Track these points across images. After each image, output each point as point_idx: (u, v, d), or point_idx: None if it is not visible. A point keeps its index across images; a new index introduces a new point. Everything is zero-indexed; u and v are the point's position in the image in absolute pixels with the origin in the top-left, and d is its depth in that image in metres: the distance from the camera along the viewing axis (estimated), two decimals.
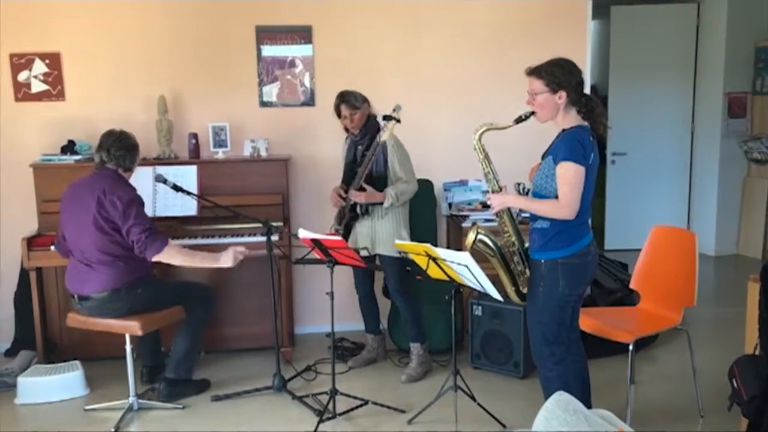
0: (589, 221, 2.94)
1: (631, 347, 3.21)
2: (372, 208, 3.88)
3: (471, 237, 2.94)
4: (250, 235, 4.14)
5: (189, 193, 3.83)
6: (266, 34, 4.61)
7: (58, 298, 4.25)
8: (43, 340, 4.15)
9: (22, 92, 4.47)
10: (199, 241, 4.10)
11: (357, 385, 3.87)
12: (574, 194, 2.72)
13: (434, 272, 3.17)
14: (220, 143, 4.50)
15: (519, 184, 4.33)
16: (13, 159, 4.44)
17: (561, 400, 1.90)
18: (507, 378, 3.98)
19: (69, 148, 4.38)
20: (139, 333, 3.53)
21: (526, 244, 2.97)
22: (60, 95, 4.50)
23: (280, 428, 3.46)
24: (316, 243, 3.40)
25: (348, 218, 3.97)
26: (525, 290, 2.98)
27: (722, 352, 3.79)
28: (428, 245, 3.06)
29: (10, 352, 4.37)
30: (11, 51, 4.43)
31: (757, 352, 2.85)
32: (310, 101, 4.70)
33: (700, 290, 3.43)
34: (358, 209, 3.89)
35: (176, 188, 3.73)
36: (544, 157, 2.87)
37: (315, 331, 4.71)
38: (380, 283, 4.31)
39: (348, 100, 3.87)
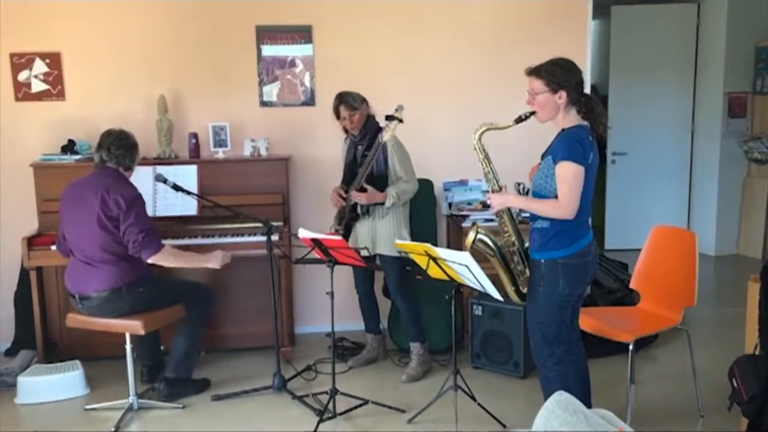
0: (590, 221, 2.94)
1: (631, 347, 3.21)
2: (372, 208, 3.88)
3: (471, 236, 2.94)
4: (250, 234, 4.14)
5: (189, 193, 3.84)
6: (266, 33, 4.61)
7: (58, 297, 4.25)
8: (44, 339, 4.16)
9: (23, 92, 4.47)
10: (200, 240, 4.10)
11: (357, 385, 3.87)
12: (573, 194, 2.72)
13: (434, 272, 3.17)
14: (220, 143, 4.50)
15: (519, 184, 4.33)
16: (13, 158, 4.45)
17: (561, 399, 1.90)
18: (507, 378, 3.98)
19: (69, 147, 4.38)
20: (142, 332, 3.53)
21: (526, 244, 2.97)
22: (60, 95, 4.50)
23: (281, 428, 3.46)
24: (316, 243, 3.40)
25: (348, 218, 3.97)
26: (525, 290, 2.98)
27: (722, 351, 3.79)
28: (428, 245, 3.06)
29: (11, 352, 4.37)
30: (11, 50, 4.43)
31: (757, 352, 2.85)
32: (310, 101, 4.70)
33: (700, 290, 3.43)
34: (358, 209, 3.89)
35: (176, 188, 3.73)
36: (543, 156, 2.87)
37: (315, 331, 4.71)
38: (380, 283, 4.31)
39: (347, 101, 3.87)
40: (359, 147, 3.94)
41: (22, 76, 4.46)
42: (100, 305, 3.52)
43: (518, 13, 4.79)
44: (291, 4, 4.60)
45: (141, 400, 3.67)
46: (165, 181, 3.73)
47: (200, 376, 3.98)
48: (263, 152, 4.47)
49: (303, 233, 3.41)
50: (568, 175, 2.71)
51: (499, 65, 4.77)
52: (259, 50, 4.62)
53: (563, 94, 2.77)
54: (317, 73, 4.68)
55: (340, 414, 3.50)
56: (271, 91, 4.68)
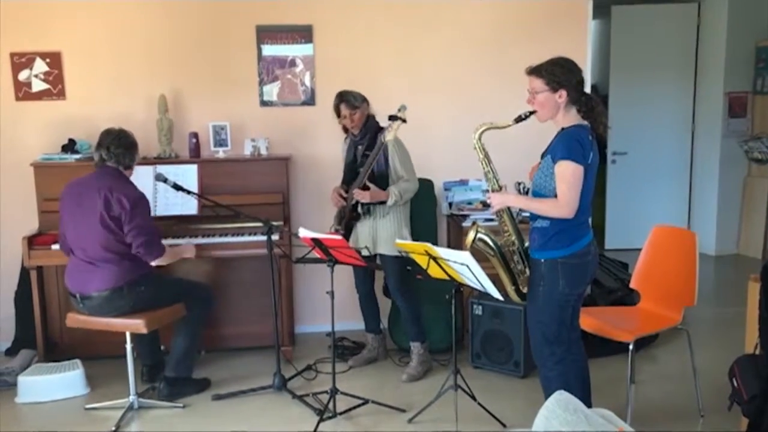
0: (590, 221, 2.94)
1: (631, 347, 3.21)
2: (373, 208, 3.88)
3: (471, 236, 2.95)
4: (250, 234, 4.15)
5: (189, 192, 3.84)
6: (267, 33, 4.61)
7: (58, 297, 4.26)
8: (44, 339, 4.16)
9: (23, 91, 4.47)
10: (200, 240, 4.10)
11: (357, 385, 3.87)
12: (572, 193, 2.72)
13: (435, 271, 3.17)
14: (220, 142, 4.50)
15: (519, 184, 4.33)
16: (13, 158, 4.45)
17: (561, 399, 1.90)
18: (507, 377, 3.98)
19: (70, 147, 4.39)
20: (144, 331, 3.53)
21: (526, 244, 2.97)
22: (60, 94, 4.50)
23: (281, 427, 3.47)
24: (317, 242, 3.40)
25: (349, 218, 3.97)
26: (525, 289, 2.98)
27: (722, 351, 3.79)
28: (429, 244, 3.06)
29: (11, 351, 4.37)
30: (12, 50, 4.43)
31: (757, 352, 2.85)
32: (310, 101, 4.70)
33: (701, 290, 3.43)
34: (359, 209, 3.89)
35: (177, 187, 3.73)
36: (543, 156, 2.88)
37: (315, 331, 4.71)
38: (380, 283, 4.32)
39: (347, 99, 3.87)
40: (359, 147, 3.94)
41: (23, 75, 4.46)
42: (101, 304, 3.52)
43: (518, 12, 4.79)
44: (291, 3, 4.60)
45: (141, 400, 3.67)
46: (165, 180, 3.73)
47: (200, 375, 3.99)
48: (263, 152, 4.47)
49: (303, 233, 3.41)
50: (567, 175, 2.71)
51: (500, 65, 4.77)
52: (259, 50, 4.62)
53: (563, 93, 2.77)
54: (317, 73, 4.68)
55: (341, 413, 3.50)
56: (272, 91, 4.68)
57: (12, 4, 4.38)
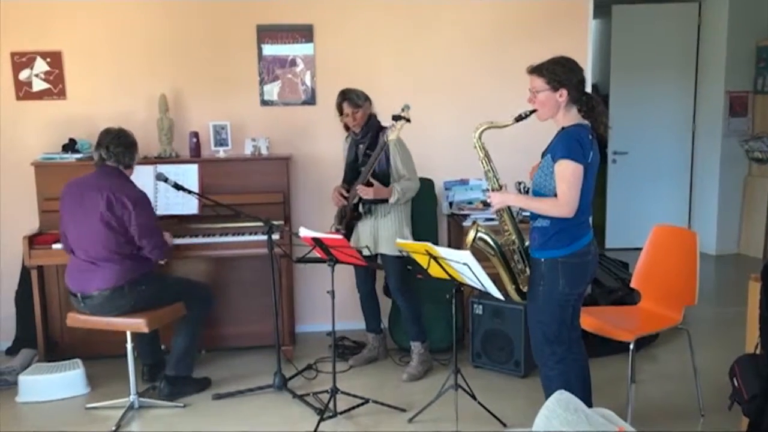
0: (590, 220, 2.93)
1: (631, 346, 3.21)
2: (374, 207, 3.89)
3: (471, 235, 2.95)
4: (251, 233, 4.15)
5: (190, 192, 3.84)
6: (267, 33, 4.61)
7: (59, 296, 4.26)
8: (44, 338, 4.16)
9: (24, 91, 4.47)
10: (201, 239, 4.10)
11: (358, 384, 3.87)
12: (572, 192, 2.72)
13: (435, 271, 3.17)
14: (221, 142, 4.50)
15: (520, 183, 4.32)
16: (14, 157, 4.45)
17: (562, 399, 1.90)
18: (508, 377, 3.98)
19: (70, 146, 4.39)
20: (145, 330, 3.53)
21: (526, 243, 2.97)
22: (61, 94, 4.50)
23: (281, 427, 3.47)
24: (317, 242, 3.40)
25: (350, 217, 3.97)
26: (525, 289, 2.98)
27: (723, 351, 3.79)
28: (429, 244, 3.06)
29: (11, 351, 4.37)
30: (12, 49, 4.43)
31: (757, 351, 2.85)
32: (311, 100, 4.70)
33: (701, 289, 3.43)
34: (360, 208, 3.89)
35: (177, 187, 3.74)
36: (543, 155, 2.87)
37: (316, 330, 4.71)
38: (381, 282, 4.31)
39: (350, 98, 3.86)
40: (360, 146, 3.93)
41: (23, 75, 4.46)
42: (102, 304, 3.52)
43: (519, 12, 4.79)
44: (292, 3, 4.60)
45: (142, 399, 3.67)
46: (166, 180, 3.73)
47: (201, 375, 3.99)
48: (264, 151, 4.47)
49: (304, 232, 3.41)
50: (567, 174, 2.71)
51: (500, 65, 4.77)
52: (259, 49, 4.62)
53: (564, 92, 2.77)
54: (318, 73, 4.68)
55: (341, 413, 3.50)
56: (272, 91, 4.68)
57: (13, 3, 4.38)
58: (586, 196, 2.79)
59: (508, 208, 2.96)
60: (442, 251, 3.01)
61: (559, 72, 2.77)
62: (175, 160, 4.35)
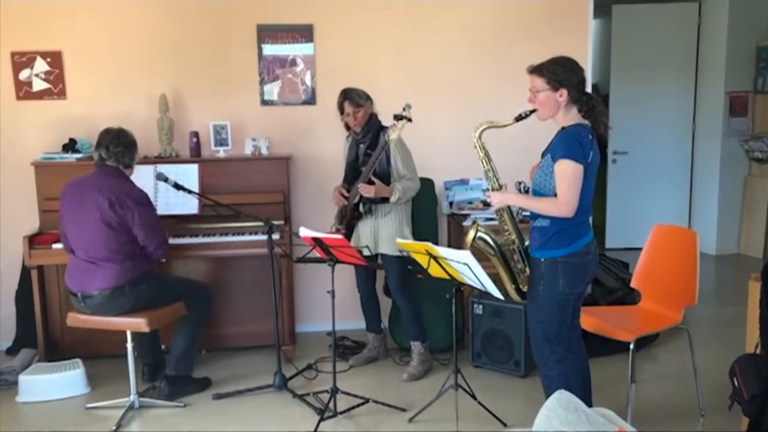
0: (590, 220, 2.93)
1: (631, 346, 3.21)
2: (375, 207, 3.88)
3: (471, 234, 2.95)
4: (251, 233, 4.15)
5: (190, 192, 3.84)
6: (267, 32, 4.61)
7: (59, 296, 4.26)
8: (45, 338, 4.16)
9: (24, 90, 4.47)
10: (201, 239, 4.10)
11: (358, 384, 3.87)
12: (572, 192, 2.72)
13: (435, 271, 3.17)
14: (221, 142, 4.50)
15: (520, 183, 4.32)
16: (14, 157, 4.45)
17: (562, 398, 1.90)
18: (508, 377, 3.98)
19: (70, 146, 4.39)
20: (146, 329, 3.54)
21: (526, 243, 2.97)
22: (61, 93, 4.50)
23: (281, 427, 3.47)
24: (317, 241, 3.40)
25: (350, 217, 3.97)
26: (525, 288, 2.98)
27: (723, 351, 3.79)
28: (429, 244, 3.06)
29: (12, 351, 4.37)
30: (12, 49, 4.43)
31: (758, 351, 2.85)
32: (311, 100, 4.70)
33: (701, 289, 3.43)
34: (361, 208, 3.89)
35: (177, 186, 3.74)
36: (543, 155, 2.87)
37: (316, 330, 4.71)
38: (381, 282, 4.31)
39: (351, 97, 3.86)
40: (361, 145, 3.93)
41: (24, 74, 4.46)
42: (102, 303, 3.52)
43: (519, 12, 4.79)
44: (292, 3, 4.60)
45: (142, 399, 3.67)
46: (166, 179, 3.73)
47: (201, 374, 3.99)
48: (264, 151, 4.47)
49: (304, 232, 3.41)
50: (567, 174, 2.71)
51: (500, 64, 4.77)
52: (260, 49, 4.62)
53: (564, 92, 2.77)
54: (318, 72, 4.68)
55: (341, 413, 3.50)
56: (272, 90, 4.68)
57: (13, 3, 4.38)
58: (586, 196, 2.79)
59: (508, 207, 2.96)
60: (442, 251, 3.01)
61: (559, 72, 2.77)
62: (176, 159, 4.35)
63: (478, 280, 2.95)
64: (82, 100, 4.51)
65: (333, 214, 4.14)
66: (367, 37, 4.69)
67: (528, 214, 2.96)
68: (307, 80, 4.68)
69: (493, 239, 2.95)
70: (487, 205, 4.32)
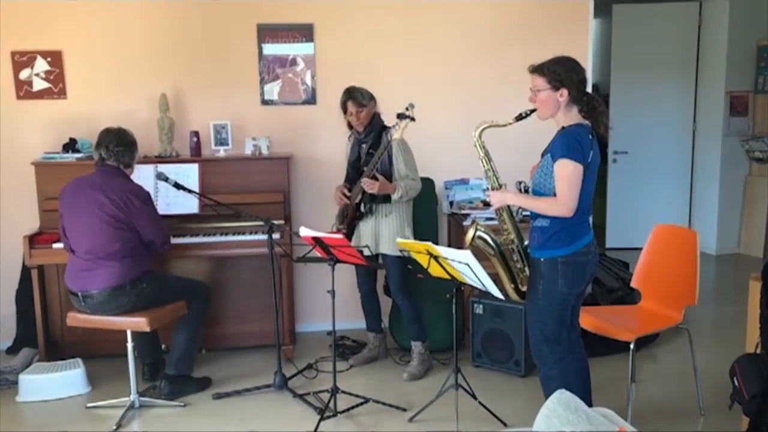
0: (590, 220, 2.93)
1: (632, 346, 3.21)
2: (376, 207, 3.88)
3: (470, 233, 2.95)
4: (251, 233, 4.15)
5: (190, 191, 3.85)
6: (268, 32, 4.61)
7: (59, 295, 4.26)
8: (45, 337, 4.16)
9: (24, 90, 4.47)
10: (201, 239, 4.10)
11: (358, 383, 3.87)
12: (572, 192, 2.72)
13: (435, 270, 3.17)
14: (221, 141, 4.50)
15: (520, 183, 4.32)
16: (14, 157, 4.45)
17: (562, 398, 1.90)
18: (508, 376, 3.98)
19: (71, 146, 4.38)
20: (147, 329, 3.54)
21: (525, 242, 2.97)
22: (62, 93, 4.50)
23: (282, 426, 3.47)
24: (318, 241, 3.40)
25: (352, 217, 3.97)
26: (524, 288, 2.98)
27: (723, 350, 3.79)
28: (430, 243, 3.06)
29: (12, 350, 4.37)
30: (13, 49, 4.43)
31: (758, 351, 2.84)
32: (311, 100, 4.70)
33: (701, 289, 3.43)
34: (362, 208, 3.89)
35: (178, 186, 3.74)
36: (543, 155, 2.87)
37: (316, 329, 4.71)
38: (382, 282, 4.31)
39: (354, 96, 3.85)
40: (363, 145, 3.93)
41: (24, 74, 4.46)
42: (103, 302, 3.52)
43: (519, 12, 4.79)
44: (292, 2, 4.60)
45: (142, 399, 3.67)
46: (166, 179, 3.73)
47: (201, 374, 3.99)
48: (264, 151, 4.47)
49: (304, 231, 3.41)
50: (566, 173, 2.71)
51: (500, 64, 4.77)
52: (260, 48, 4.62)
53: (564, 92, 2.77)
54: (318, 72, 4.68)
55: (341, 412, 3.50)
56: (273, 90, 4.67)
57: (13, 3, 4.38)
58: (586, 196, 2.79)
59: (508, 207, 2.96)
60: (442, 251, 3.01)
61: (560, 71, 2.77)
62: (176, 159, 4.35)
63: (479, 279, 2.95)
64: (82, 100, 4.51)
65: (333, 213, 4.14)
66: (367, 37, 4.69)
67: (528, 213, 2.96)
68: (308, 80, 4.68)
69: (492, 238, 2.95)
70: (487, 204, 4.31)
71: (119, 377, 3.86)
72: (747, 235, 6.68)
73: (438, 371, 4.06)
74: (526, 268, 2.95)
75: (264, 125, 4.65)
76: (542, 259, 2.86)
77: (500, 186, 2.96)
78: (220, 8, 4.54)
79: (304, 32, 4.63)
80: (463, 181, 4.78)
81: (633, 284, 3.72)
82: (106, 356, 4.16)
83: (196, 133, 4.46)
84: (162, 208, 4.11)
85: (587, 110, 2.81)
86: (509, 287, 3.01)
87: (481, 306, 4.05)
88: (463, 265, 2.93)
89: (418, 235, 3.92)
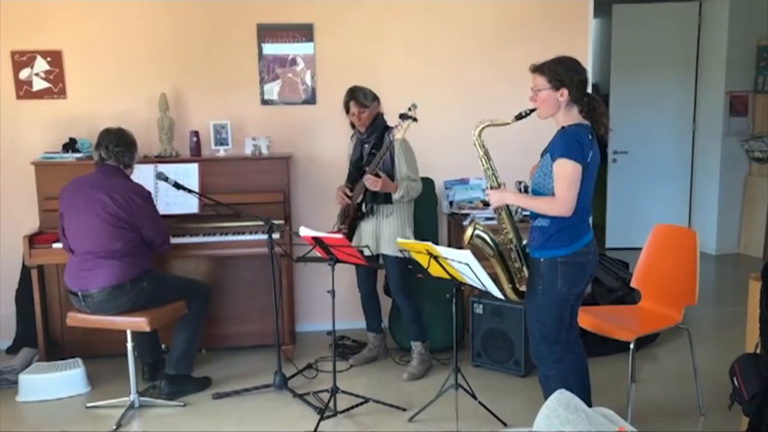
0: (590, 220, 2.93)
1: (631, 346, 3.21)
2: (377, 207, 3.88)
3: (469, 232, 2.95)
4: (251, 233, 4.15)
5: (190, 191, 3.85)
6: (267, 31, 4.61)
7: (59, 295, 4.26)
8: (45, 337, 4.16)
9: (24, 90, 4.47)
10: (201, 238, 4.10)
11: (358, 383, 3.87)
12: (571, 192, 2.72)
13: (435, 270, 3.17)
14: (221, 141, 4.50)
15: (520, 182, 4.32)
16: (14, 157, 4.45)
17: (562, 398, 1.90)
18: (508, 376, 3.98)
19: (70, 145, 4.38)
20: (147, 329, 3.54)
21: (524, 242, 2.97)
22: (61, 93, 4.50)
23: (281, 426, 3.47)
24: (318, 241, 3.40)
25: (353, 217, 3.96)
26: (522, 288, 2.98)
27: (723, 350, 3.79)
28: (430, 243, 3.06)
29: (12, 350, 4.37)
30: (13, 48, 4.43)
31: (758, 351, 2.84)
32: (311, 99, 4.70)
33: (701, 289, 3.43)
34: (363, 208, 3.89)
35: (178, 186, 3.74)
36: (543, 154, 2.87)
37: (316, 329, 4.71)
38: (382, 282, 4.31)
39: (357, 97, 3.84)
40: (365, 145, 3.92)
41: (24, 74, 4.46)
42: (103, 302, 3.52)
43: (519, 11, 4.79)
44: (292, 2, 4.60)
45: (142, 398, 3.67)
46: (166, 179, 3.73)
47: (201, 374, 3.99)
48: (264, 151, 4.47)
49: (304, 231, 3.41)
50: (565, 173, 2.71)
51: (500, 64, 4.77)
52: (260, 48, 4.62)
53: (565, 91, 2.77)
54: (318, 72, 4.68)
55: (341, 412, 3.50)
56: (272, 90, 4.67)
57: (13, 2, 4.38)
58: (585, 196, 2.79)
59: (507, 206, 2.96)
60: (442, 251, 3.01)
61: (560, 71, 2.77)
62: (176, 159, 4.35)
63: (479, 279, 2.95)
64: (82, 100, 4.51)
65: (333, 213, 4.14)
66: (367, 37, 4.69)
67: (528, 213, 2.96)
68: (307, 80, 4.68)
69: (490, 237, 2.95)
70: (487, 204, 4.32)
71: (119, 377, 3.86)
72: (747, 235, 6.68)
73: (438, 371, 4.06)
74: (525, 268, 2.95)
75: (264, 125, 4.65)
76: (542, 259, 2.85)
77: (499, 185, 2.96)
78: (220, 8, 4.54)
79: (304, 32, 4.63)
80: (463, 181, 4.78)
81: (633, 284, 3.72)
82: (106, 356, 4.16)
83: (196, 133, 4.46)
84: (162, 208, 4.11)
85: (587, 110, 2.81)
86: (507, 287, 3.01)
87: (481, 306, 4.05)
88: (463, 265, 2.93)
89: (418, 235, 3.92)
